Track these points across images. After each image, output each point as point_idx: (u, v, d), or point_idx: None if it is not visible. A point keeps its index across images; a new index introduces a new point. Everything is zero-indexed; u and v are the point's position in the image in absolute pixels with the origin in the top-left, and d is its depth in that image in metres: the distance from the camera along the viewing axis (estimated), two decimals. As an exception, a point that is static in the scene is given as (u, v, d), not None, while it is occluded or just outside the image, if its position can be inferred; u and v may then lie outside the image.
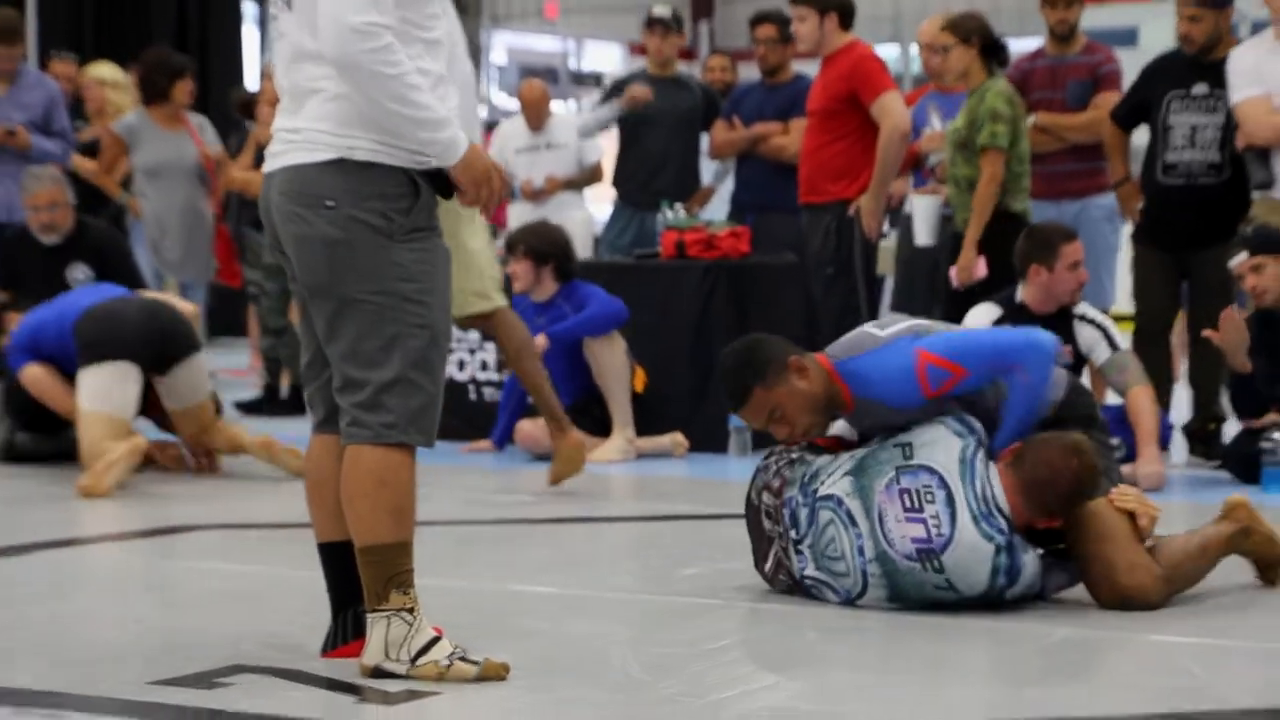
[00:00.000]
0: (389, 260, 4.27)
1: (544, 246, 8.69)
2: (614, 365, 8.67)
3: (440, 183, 4.33)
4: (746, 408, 5.34)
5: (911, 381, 5.22)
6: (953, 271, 8.51)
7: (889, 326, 5.39)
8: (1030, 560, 5.12)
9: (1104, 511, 5.21)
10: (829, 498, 5.23)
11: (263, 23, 20.08)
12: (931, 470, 5.11)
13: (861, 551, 5.18)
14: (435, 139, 4.25)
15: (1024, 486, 5.09)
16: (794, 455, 5.45)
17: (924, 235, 9.11)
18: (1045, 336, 5.33)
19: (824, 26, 8.80)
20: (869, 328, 5.43)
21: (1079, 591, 5.34)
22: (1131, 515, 5.23)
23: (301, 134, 4.31)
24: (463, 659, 4.33)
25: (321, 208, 4.27)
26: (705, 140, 11.03)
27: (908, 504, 5.11)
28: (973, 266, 8.42)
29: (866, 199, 8.65)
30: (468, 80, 8.10)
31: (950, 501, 5.06)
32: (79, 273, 9.21)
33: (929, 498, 5.09)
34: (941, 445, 5.14)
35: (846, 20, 8.85)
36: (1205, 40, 8.40)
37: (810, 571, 5.28)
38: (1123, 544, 5.19)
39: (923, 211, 9.11)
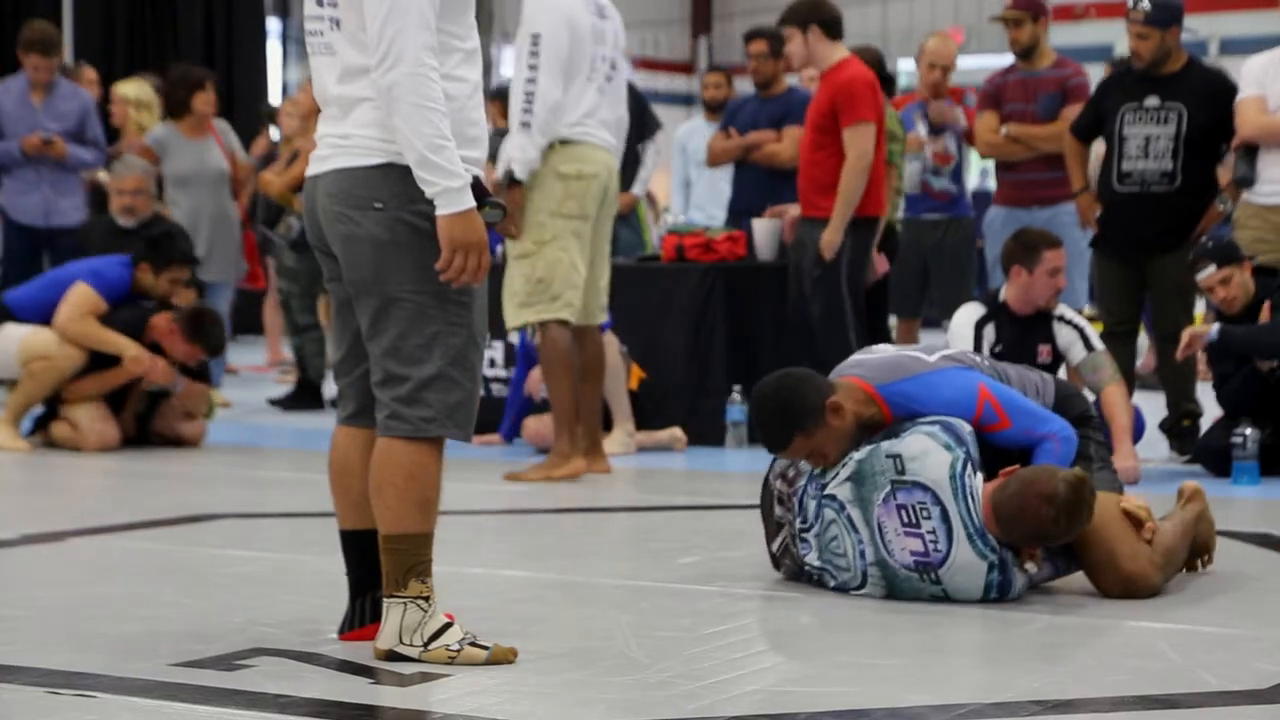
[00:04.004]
0: (432, 261, 4.23)
1: None
2: (610, 365, 8.63)
3: (479, 192, 4.27)
4: (786, 452, 5.27)
5: (968, 410, 5.13)
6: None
7: (933, 353, 5.33)
8: (1020, 579, 5.09)
9: (1105, 506, 5.19)
10: (832, 498, 5.17)
11: (285, 38, 20.09)
12: (925, 487, 5.03)
13: (863, 555, 5.14)
14: (439, 184, 4.17)
15: (995, 512, 5.00)
16: None
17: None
18: (1074, 433, 5.28)
19: (809, 39, 8.72)
20: (915, 352, 5.34)
21: (1062, 581, 5.32)
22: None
23: (351, 139, 4.29)
24: (473, 644, 4.31)
25: (370, 209, 4.25)
26: (649, 147, 10.96)
27: (905, 519, 5.05)
28: (874, 265, 8.97)
29: (827, 232, 8.59)
30: (621, 123, 8.03)
31: (945, 518, 5.00)
32: None
33: (925, 514, 5.03)
34: (932, 459, 5.04)
35: (831, 30, 8.72)
36: (1152, 56, 8.41)
37: (813, 559, 5.25)
38: (1124, 532, 5.20)
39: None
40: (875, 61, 9.42)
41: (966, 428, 5.10)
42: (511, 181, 7.64)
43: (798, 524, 5.28)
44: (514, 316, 7.80)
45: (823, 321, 8.67)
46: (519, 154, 7.56)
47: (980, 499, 5.01)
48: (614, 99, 7.82)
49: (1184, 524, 5.44)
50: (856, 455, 5.16)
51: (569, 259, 7.67)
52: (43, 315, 8.84)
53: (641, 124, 10.80)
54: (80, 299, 8.71)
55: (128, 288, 8.84)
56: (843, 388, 5.23)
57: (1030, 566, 5.10)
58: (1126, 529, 5.22)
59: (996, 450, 5.19)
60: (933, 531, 5.02)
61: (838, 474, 5.17)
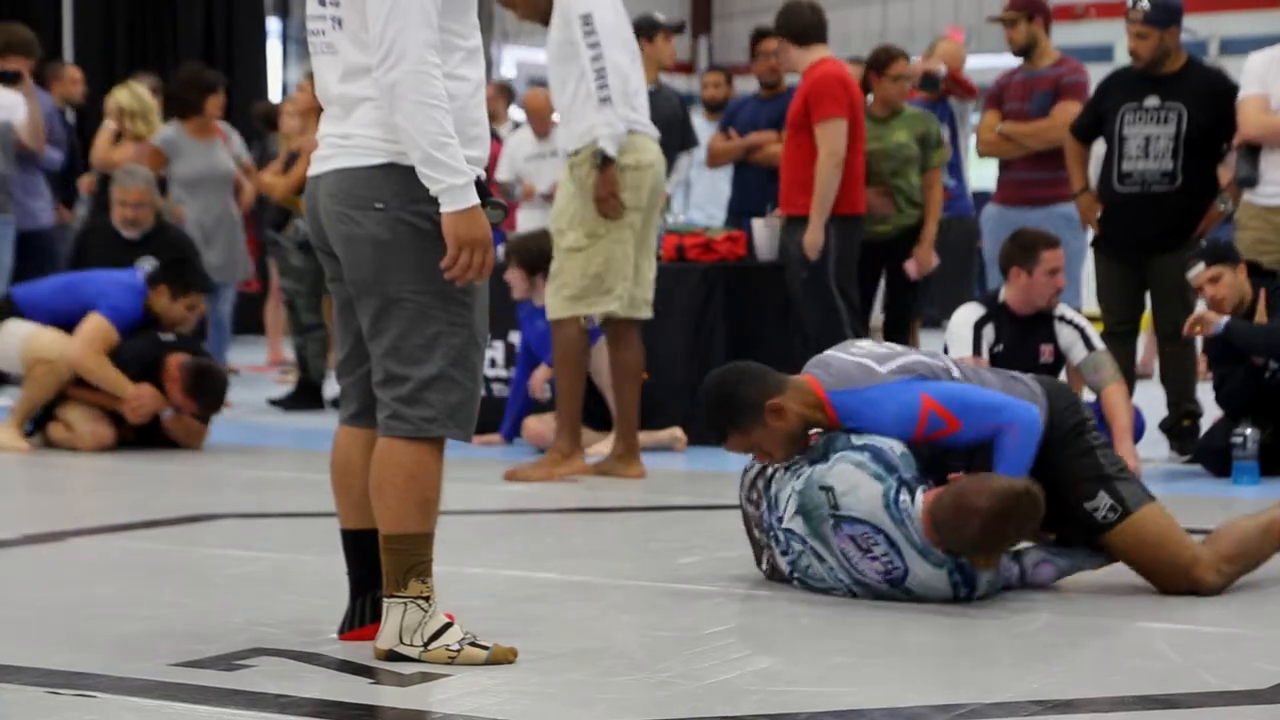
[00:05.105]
0: (433, 261, 4.24)
1: (534, 257, 8.66)
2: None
3: (481, 191, 4.28)
4: (726, 447, 5.29)
5: (910, 424, 5.08)
6: (910, 265, 9.37)
7: (888, 361, 5.22)
8: (985, 574, 5.07)
9: (1157, 516, 5.22)
10: (791, 532, 5.16)
11: (285, 38, 20.08)
12: (863, 521, 5.01)
13: (839, 580, 5.15)
14: (444, 181, 4.17)
15: (932, 523, 4.97)
16: (760, 466, 5.39)
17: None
18: (1035, 414, 5.15)
19: (779, 48, 8.80)
20: (869, 361, 5.22)
21: (1061, 580, 5.33)
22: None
23: (352, 139, 4.29)
24: (473, 644, 4.31)
25: (371, 209, 4.25)
26: (683, 158, 10.98)
27: (861, 546, 5.05)
28: (930, 260, 9.35)
29: (808, 232, 8.60)
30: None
31: (892, 544, 5.00)
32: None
33: (873, 542, 5.02)
34: (864, 492, 5.01)
35: (798, 38, 8.73)
36: (1152, 56, 8.42)
37: (798, 577, 5.25)
38: (1183, 542, 5.23)
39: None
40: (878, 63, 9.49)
41: (898, 450, 5.05)
42: (604, 160, 7.56)
43: (775, 549, 5.28)
44: (563, 308, 7.77)
45: (819, 323, 8.67)
46: (607, 130, 7.49)
47: (919, 517, 4.99)
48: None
49: (1266, 523, 5.39)
50: (797, 486, 5.13)
51: (623, 251, 7.70)
52: (49, 317, 8.86)
53: (685, 136, 10.80)
54: (95, 332, 8.72)
55: (140, 315, 8.84)
56: (794, 387, 5.19)
57: (987, 574, 5.07)
58: (1183, 538, 5.24)
59: (949, 451, 5.18)
60: (886, 555, 5.03)
61: (789, 504, 5.16)
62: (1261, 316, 7.84)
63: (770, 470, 5.32)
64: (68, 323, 8.81)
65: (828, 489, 5.05)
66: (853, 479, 5.03)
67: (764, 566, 5.43)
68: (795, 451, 5.21)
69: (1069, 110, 9.00)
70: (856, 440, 5.10)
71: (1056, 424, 5.28)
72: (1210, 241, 8.07)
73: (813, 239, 8.60)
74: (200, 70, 11.44)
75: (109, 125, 11.41)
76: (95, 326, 8.73)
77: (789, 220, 8.85)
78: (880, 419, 5.12)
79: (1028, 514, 4.91)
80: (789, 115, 8.88)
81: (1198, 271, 7.87)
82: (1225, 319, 7.78)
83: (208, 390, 8.77)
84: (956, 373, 5.29)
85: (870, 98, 9.49)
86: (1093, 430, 5.37)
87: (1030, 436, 5.12)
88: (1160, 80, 8.45)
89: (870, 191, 9.14)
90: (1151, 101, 8.44)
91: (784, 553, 5.23)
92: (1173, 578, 5.22)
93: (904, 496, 4.99)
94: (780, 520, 5.19)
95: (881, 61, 9.46)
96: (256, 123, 13.13)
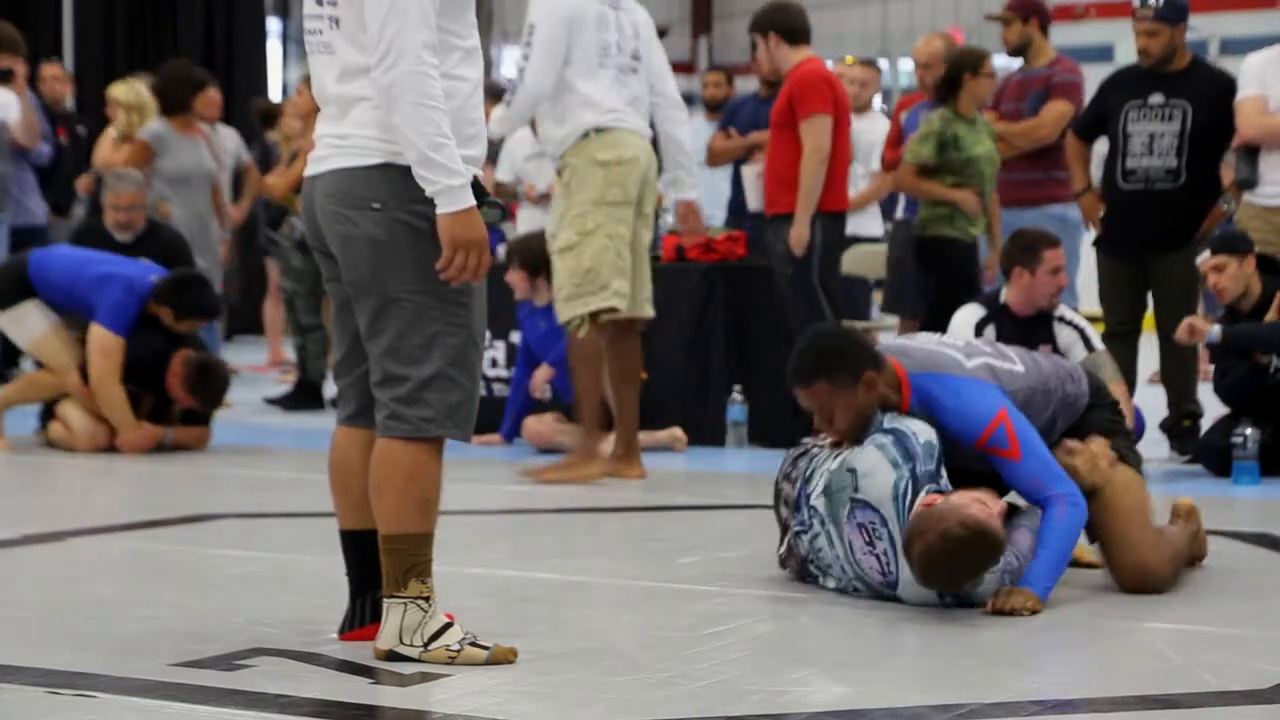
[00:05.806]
0: (431, 261, 4.24)
1: (535, 258, 8.67)
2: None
3: (478, 191, 4.28)
4: (804, 393, 5.21)
5: (980, 426, 5.06)
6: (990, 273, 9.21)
7: (973, 357, 5.21)
8: (989, 580, 5.02)
9: (1135, 491, 5.23)
10: (815, 509, 5.18)
11: (285, 38, 20.10)
12: (874, 507, 5.00)
13: (844, 570, 5.15)
14: (440, 182, 4.17)
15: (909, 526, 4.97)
16: (805, 449, 5.41)
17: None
18: (1086, 506, 5.11)
19: (769, 46, 8.77)
20: (954, 353, 5.23)
21: (1060, 580, 5.32)
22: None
23: (349, 139, 4.29)
24: (473, 644, 4.32)
25: (368, 209, 4.26)
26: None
27: (865, 538, 5.04)
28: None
29: (794, 228, 8.59)
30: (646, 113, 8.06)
31: (893, 541, 4.99)
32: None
33: (878, 535, 5.01)
34: (879, 477, 4.99)
35: (791, 37, 8.71)
36: (1161, 53, 8.42)
37: (813, 558, 5.26)
38: (1146, 525, 5.23)
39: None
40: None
41: (921, 439, 5.02)
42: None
43: (795, 525, 5.29)
44: (564, 311, 7.79)
45: (803, 320, 8.67)
46: (493, 125, 7.71)
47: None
48: (637, 89, 7.86)
49: (1184, 535, 5.49)
50: (830, 466, 5.15)
51: (615, 246, 7.71)
52: (58, 297, 8.82)
53: None
54: (112, 356, 8.64)
55: (136, 318, 8.80)
56: (886, 369, 5.18)
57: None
58: (1148, 522, 5.25)
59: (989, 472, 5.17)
60: (885, 553, 5.02)
61: (820, 481, 5.17)
62: (1275, 316, 7.84)
63: (814, 451, 5.33)
64: (69, 300, 8.81)
65: (852, 470, 5.05)
66: (873, 461, 5.03)
67: (781, 549, 5.42)
68: (858, 431, 5.14)
69: (1057, 109, 9.02)
70: (888, 424, 5.09)
71: (1096, 391, 5.36)
72: (1223, 230, 8.07)
73: (799, 234, 8.59)
74: (188, 67, 11.41)
75: (116, 130, 11.42)
76: (106, 347, 8.63)
77: (774, 218, 8.84)
78: (958, 408, 5.10)
79: (975, 557, 4.86)
80: (772, 114, 8.88)
81: (1204, 258, 7.90)
82: (1217, 328, 7.79)
83: (210, 385, 8.76)
84: (1019, 365, 5.28)
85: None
86: (1120, 413, 5.49)
87: (1079, 521, 5.08)
88: (1165, 78, 8.45)
89: (967, 192, 9.07)
90: (1156, 99, 8.44)
91: (803, 527, 5.23)
92: (1132, 556, 5.19)
93: (911, 489, 4.96)
94: (809, 496, 5.20)
95: (975, 61, 9.35)
96: (254, 120, 13.13)
